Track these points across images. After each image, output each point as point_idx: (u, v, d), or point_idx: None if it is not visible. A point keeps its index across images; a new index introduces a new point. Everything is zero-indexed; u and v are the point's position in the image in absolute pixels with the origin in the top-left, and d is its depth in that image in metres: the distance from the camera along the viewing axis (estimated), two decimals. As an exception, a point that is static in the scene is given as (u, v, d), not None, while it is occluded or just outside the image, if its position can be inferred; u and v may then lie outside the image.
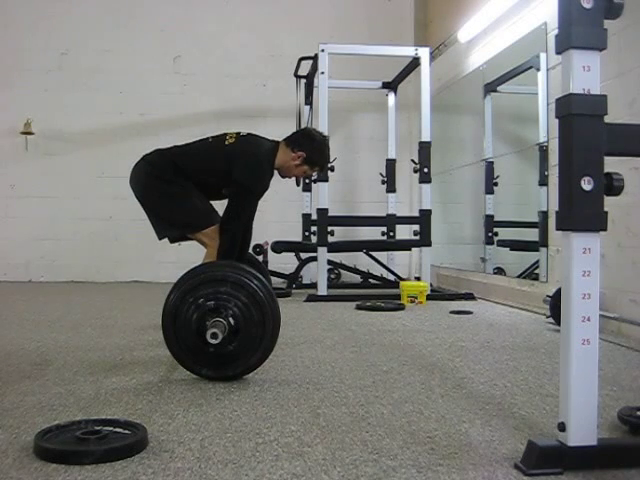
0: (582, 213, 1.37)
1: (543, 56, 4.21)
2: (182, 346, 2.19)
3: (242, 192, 2.89)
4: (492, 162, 5.15)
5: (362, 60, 5.81)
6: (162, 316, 2.21)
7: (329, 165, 4.98)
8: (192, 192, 2.96)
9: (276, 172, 3.14)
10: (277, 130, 6.11)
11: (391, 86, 6.12)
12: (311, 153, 3.10)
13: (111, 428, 1.56)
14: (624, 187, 1.39)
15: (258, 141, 3.07)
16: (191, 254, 3.37)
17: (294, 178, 5.55)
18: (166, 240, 3.12)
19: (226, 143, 3.02)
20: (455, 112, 6.27)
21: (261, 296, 2.20)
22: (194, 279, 2.20)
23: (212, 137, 3.10)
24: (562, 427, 1.39)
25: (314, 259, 5.21)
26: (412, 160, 5.18)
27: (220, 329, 2.08)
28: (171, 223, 3.00)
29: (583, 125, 1.37)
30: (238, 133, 3.09)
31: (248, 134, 3.11)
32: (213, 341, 2.07)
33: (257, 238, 3.66)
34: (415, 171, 5.11)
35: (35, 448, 1.46)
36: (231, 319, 2.14)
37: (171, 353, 2.24)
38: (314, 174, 3.19)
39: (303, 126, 5.77)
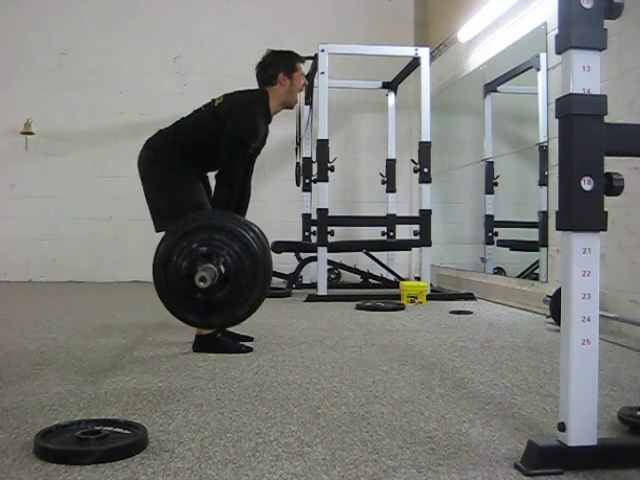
0: (582, 213, 1.37)
1: (543, 56, 4.21)
2: (171, 290, 2.18)
3: (236, 144, 2.83)
4: (492, 162, 5.15)
5: (362, 60, 5.81)
6: (154, 259, 2.20)
7: (329, 165, 5.03)
8: (192, 184, 2.89)
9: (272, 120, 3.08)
10: (277, 130, 6.14)
11: (391, 86, 6.12)
12: (283, 64, 3.04)
13: (111, 428, 1.56)
14: (624, 187, 1.39)
15: (245, 94, 3.01)
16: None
17: (294, 178, 5.58)
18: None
19: (216, 105, 2.98)
20: (455, 112, 6.27)
21: (255, 248, 2.19)
22: (190, 224, 2.21)
23: (204, 105, 3.06)
24: (562, 427, 1.39)
25: (314, 259, 5.21)
26: (412, 160, 5.18)
27: (210, 274, 2.07)
28: (164, 216, 2.93)
29: (583, 125, 1.37)
30: (225, 94, 3.05)
31: (235, 91, 3.06)
32: (201, 284, 2.06)
33: (257, 238, 3.65)
34: (415, 171, 5.11)
35: (35, 448, 1.46)
36: (222, 267, 2.13)
37: (160, 297, 2.23)
38: (304, 81, 3.10)
39: (303, 127, 5.78)
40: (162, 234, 2.48)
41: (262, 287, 2.21)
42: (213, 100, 3.04)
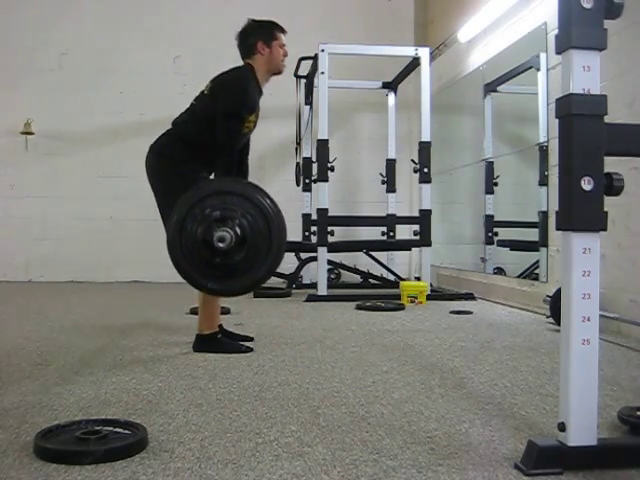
0: (582, 213, 1.37)
1: (543, 56, 4.21)
2: (189, 259, 2.18)
3: (231, 119, 2.81)
4: (492, 162, 5.15)
5: (362, 60, 5.80)
6: (167, 233, 2.21)
7: (329, 165, 5.03)
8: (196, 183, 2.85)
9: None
10: (277, 130, 6.16)
11: (391, 86, 6.12)
12: (261, 33, 3.10)
13: (111, 428, 1.56)
14: (624, 187, 1.39)
15: (231, 71, 2.98)
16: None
17: (294, 178, 5.59)
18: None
19: (206, 92, 2.94)
20: (455, 112, 6.27)
21: (267, 209, 2.20)
22: (201, 192, 2.21)
23: (194, 99, 3.02)
24: (562, 427, 1.39)
25: (314, 259, 5.21)
26: (412, 160, 5.18)
27: (228, 234, 2.09)
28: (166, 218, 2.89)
29: (583, 125, 1.37)
30: (211, 79, 3.01)
31: (219, 73, 3.01)
32: (221, 245, 2.06)
33: (257, 238, 3.65)
34: (415, 171, 5.11)
35: (35, 448, 1.46)
36: (238, 229, 2.13)
37: (177, 269, 2.22)
38: (284, 54, 3.11)
39: (303, 127, 5.78)
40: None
41: (278, 247, 2.21)
42: (202, 91, 3.01)
